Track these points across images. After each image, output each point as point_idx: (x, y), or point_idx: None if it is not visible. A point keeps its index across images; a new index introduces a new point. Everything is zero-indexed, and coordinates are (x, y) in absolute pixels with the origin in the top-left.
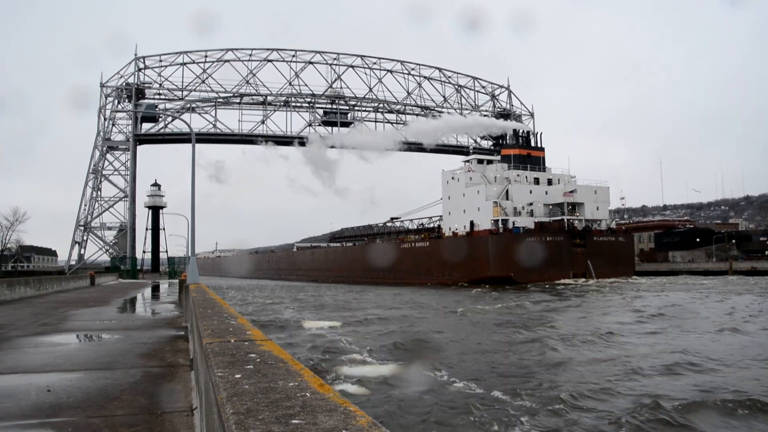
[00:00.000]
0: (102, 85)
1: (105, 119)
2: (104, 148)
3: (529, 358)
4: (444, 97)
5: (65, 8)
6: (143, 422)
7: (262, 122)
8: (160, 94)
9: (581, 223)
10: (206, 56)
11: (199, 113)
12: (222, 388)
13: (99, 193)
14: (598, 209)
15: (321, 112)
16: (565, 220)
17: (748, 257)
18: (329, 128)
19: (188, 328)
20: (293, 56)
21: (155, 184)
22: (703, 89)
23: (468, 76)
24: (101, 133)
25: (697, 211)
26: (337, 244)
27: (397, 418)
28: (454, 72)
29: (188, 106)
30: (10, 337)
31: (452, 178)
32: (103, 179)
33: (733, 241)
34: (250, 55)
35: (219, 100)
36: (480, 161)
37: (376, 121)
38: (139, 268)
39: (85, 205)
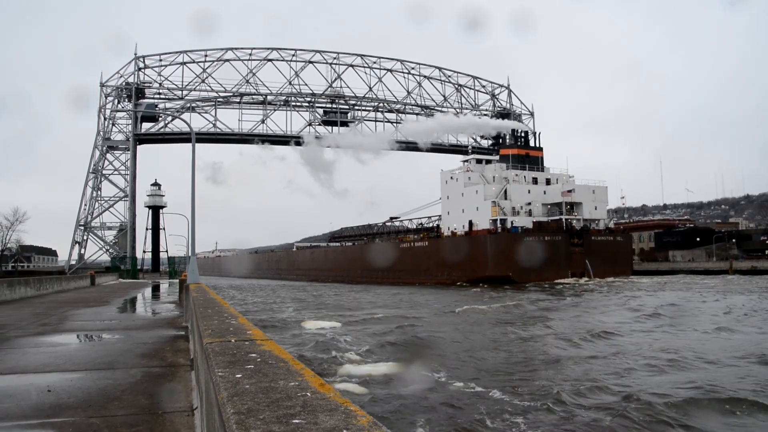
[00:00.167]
0: (102, 85)
1: (105, 119)
2: (104, 148)
3: (526, 357)
4: (444, 96)
5: (65, 8)
6: (144, 422)
7: (262, 122)
8: (160, 93)
9: (579, 223)
10: (206, 56)
11: (199, 113)
12: (223, 387)
13: (99, 192)
14: (596, 209)
15: (321, 111)
16: (564, 220)
17: (749, 256)
18: (329, 128)
19: (189, 328)
20: (293, 56)
21: (155, 184)
22: (703, 89)
23: (468, 75)
24: (101, 133)
25: (697, 211)
26: (337, 244)
27: (397, 418)
28: (454, 71)
29: (188, 105)
30: (10, 337)
31: (451, 177)
32: (103, 179)
33: (734, 240)
34: (250, 54)
35: (219, 99)
36: (479, 161)
37: (376, 121)
38: (139, 267)
39: (86, 205)
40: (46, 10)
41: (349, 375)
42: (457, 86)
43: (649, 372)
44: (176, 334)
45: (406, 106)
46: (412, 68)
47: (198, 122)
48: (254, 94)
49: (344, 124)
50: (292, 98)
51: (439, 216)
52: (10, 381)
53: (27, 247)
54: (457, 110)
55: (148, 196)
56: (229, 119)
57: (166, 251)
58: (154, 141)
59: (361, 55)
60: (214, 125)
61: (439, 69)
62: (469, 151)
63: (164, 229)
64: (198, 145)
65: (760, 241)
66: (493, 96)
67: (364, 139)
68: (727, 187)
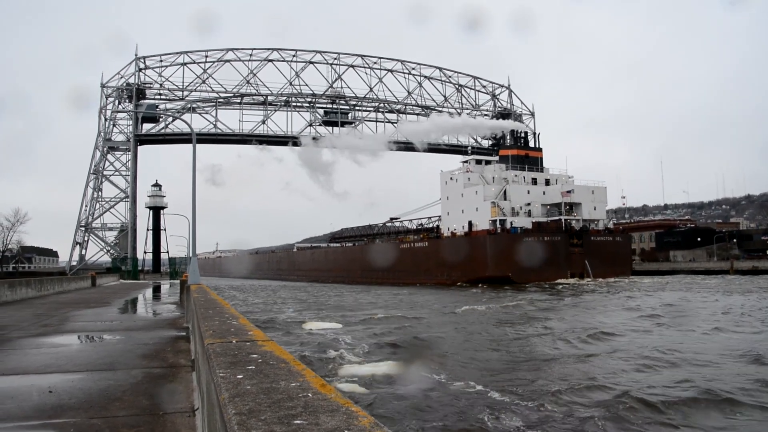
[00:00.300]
0: (102, 86)
1: (106, 119)
2: (105, 149)
3: (525, 357)
4: (444, 96)
5: (65, 8)
6: (145, 423)
7: (263, 122)
8: (160, 94)
9: (578, 223)
10: (207, 56)
11: (200, 113)
12: (224, 388)
13: (100, 193)
14: (595, 209)
15: (321, 112)
16: (563, 220)
17: (750, 256)
18: (330, 128)
19: (189, 329)
20: (294, 56)
21: (156, 185)
22: (703, 89)
23: (468, 75)
24: (102, 134)
25: (698, 211)
26: (337, 245)
27: (398, 419)
28: (455, 71)
29: (189, 106)
30: (11, 338)
31: (450, 178)
32: (103, 180)
33: (734, 240)
34: (251, 55)
35: (219, 100)
36: (478, 162)
37: (377, 121)
38: (140, 268)
39: (86, 206)
40: (46, 10)
41: (350, 375)
42: (457, 86)
43: (643, 371)
44: (177, 334)
45: (407, 107)
46: (413, 68)
47: (199, 123)
48: (255, 95)
49: (345, 124)
50: (293, 99)
51: (439, 216)
52: (12, 382)
53: (28, 248)
54: (458, 110)
55: (148, 196)
56: (230, 120)
57: (167, 252)
58: (155, 142)
59: (362, 56)
60: (215, 126)
61: (440, 69)
62: (469, 151)
63: (165, 229)
64: (198, 147)
65: (761, 241)
66: (494, 96)
67: (360, 141)
68: (727, 187)
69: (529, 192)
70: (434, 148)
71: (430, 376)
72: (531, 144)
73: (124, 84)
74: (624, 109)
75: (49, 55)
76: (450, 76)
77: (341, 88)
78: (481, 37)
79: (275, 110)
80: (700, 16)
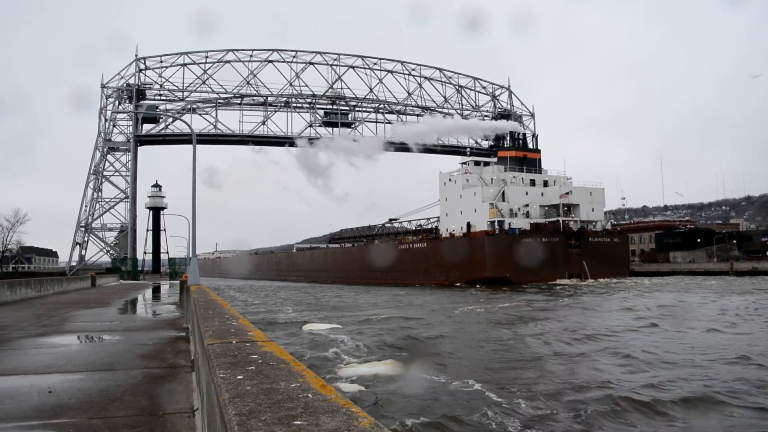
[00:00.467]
0: (103, 86)
1: (106, 120)
2: (105, 149)
3: (522, 357)
4: (444, 97)
5: (65, 8)
6: (144, 423)
7: (263, 123)
8: (160, 94)
9: (576, 224)
10: (207, 57)
11: (200, 114)
12: (224, 389)
13: (100, 194)
14: (593, 210)
15: (322, 112)
16: (561, 221)
17: (749, 257)
18: (330, 129)
19: (189, 329)
20: (294, 57)
21: (156, 185)
22: (703, 89)
23: (468, 76)
24: (102, 134)
25: (697, 212)
26: (337, 245)
27: (399, 419)
28: (455, 72)
29: (189, 106)
30: (11, 338)
31: (449, 179)
32: (103, 180)
33: (734, 241)
34: (251, 55)
35: (220, 101)
36: (477, 163)
37: (377, 122)
38: (140, 269)
39: (86, 206)
40: (46, 10)
41: (350, 376)
42: (457, 87)
43: (632, 371)
44: (177, 335)
45: (407, 108)
46: (413, 69)
47: (199, 124)
48: (255, 96)
49: (345, 125)
50: (293, 99)
51: (438, 217)
52: (12, 382)
53: (28, 248)
54: (458, 111)
55: (148, 197)
56: (230, 121)
57: (167, 252)
58: (155, 142)
59: (362, 57)
60: (215, 126)
61: (440, 70)
62: (468, 153)
63: (165, 230)
64: (197, 148)
65: (760, 242)
66: (494, 97)
67: (354, 144)
68: (727, 187)
69: (527, 193)
70: (430, 149)
71: (429, 376)
72: (530, 145)
73: (125, 84)
74: (624, 109)
75: (49, 55)
76: (450, 77)
77: (341, 88)
78: (481, 38)
79: (275, 111)
80: (700, 16)
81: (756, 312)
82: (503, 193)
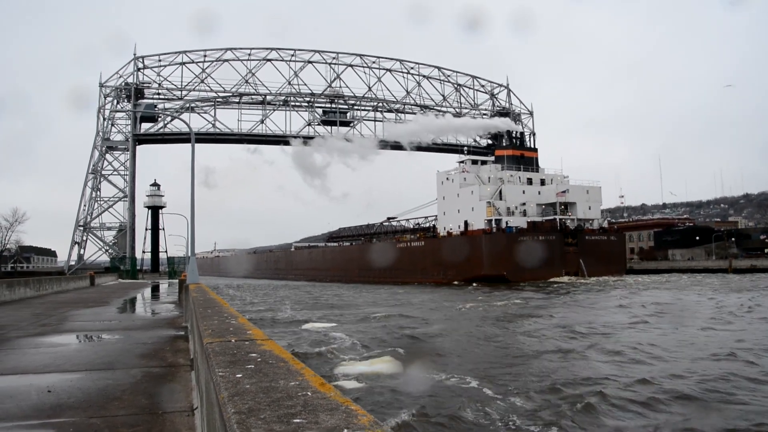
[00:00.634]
0: (101, 85)
1: (104, 119)
2: (103, 148)
3: (517, 354)
4: (443, 96)
5: (65, 8)
6: (144, 422)
7: (261, 122)
8: (159, 93)
9: (573, 223)
10: (205, 56)
11: (199, 113)
12: (223, 387)
13: (98, 193)
14: (590, 209)
15: (320, 111)
16: (558, 220)
17: (748, 255)
18: (329, 127)
19: (188, 328)
20: (292, 56)
21: (155, 184)
22: (703, 89)
23: (467, 74)
24: (100, 133)
25: (696, 210)
26: (335, 244)
27: (398, 417)
28: (454, 71)
29: (187, 105)
30: (10, 338)
31: (447, 178)
32: (102, 179)
33: (733, 239)
34: (249, 54)
35: (218, 99)
36: (474, 162)
37: (375, 120)
38: (138, 268)
39: (85, 206)
40: (46, 10)
41: (349, 374)
42: (456, 86)
43: (623, 367)
44: (176, 334)
45: (406, 106)
46: (412, 68)
47: (197, 122)
48: (253, 94)
49: (343, 124)
50: (292, 98)
51: (436, 216)
52: (11, 381)
53: (26, 247)
54: (456, 110)
55: (147, 196)
56: (229, 119)
57: (166, 251)
58: (154, 141)
59: (361, 55)
60: (214, 125)
61: (439, 69)
62: (465, 151)
63: (164, 229)
64: (195, 147)
65: (759, 239)
66: (493, 95)
67: (348, 145)
68: (726, 185)
69: (524, 192)
70: (424, 148)
71: (428, 373)
72: (528, 143)
73: (123, 83)
74: (624, 109)
75: (49, 55)
76: (449, 76)
77: (340, 87)
78: (480, 38)
79: (274, 110)
80: (700, 16)
81: (749, 310)
82: (500, 192)
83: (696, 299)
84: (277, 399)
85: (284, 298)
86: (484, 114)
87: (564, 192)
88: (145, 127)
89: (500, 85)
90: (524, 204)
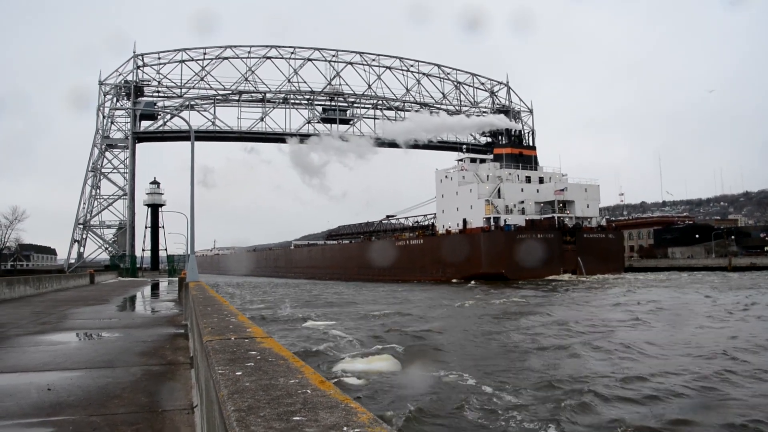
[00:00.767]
0: (101, 83)
1: (104, 117)
2: (103, 146)
3: (515, 350)
4: (443, 93)
5: (65, 8)
6: (144, 420)
7: (261, 120)
8: (158, 91)
9: (571, 221)
10: (205, 54)
11: (198, 111)
12: (223, 385)
13: (98, 191)
14: (588, 207)
15: (320, 109)
16: (556, 218)
17: (748, 253)
18: (328, 125)
19: (188, 326)
20: (292, 53)
21: (154, 182)
22: (703, 88)
23: (467, 72)
24: (100, 131)
25: (696, 208)
26: (334, 242)
27: (397, 414)
28: (453, 68)
29: (187, 103)
30: (10, 336)
31: (446, 176)
32: (102, 177)
33: (733, 237)
34: (249, 52)
35: (218, 97)
36: (473, 160)
37: (375, 118)
38: (138, 266)
39: (85, 204)
40: (46, 10)
41: (349, 371)
42: (456, 83)
43: (616, 364)
44: (176, 332)
45: (405, 104)
46: (411, 66)
47: (197, 120)
48: (253, 92)
49: (343, 122)
50: (291, 96)
51: (435, 214)
52: (10, 380)
53: (26, 245)
54: (456, 107)
55: (147, 194)
56: (229, 117)
57: (166, 249)
58: (153, 139)
59: (360, 53)
60: (213, 123)
61: (438, 66)
62: (464, 150)
63: (163, 227)
64: (194, 144)
65: (759, 237)
66: (492, 93)
67: (344, 144)
68: (726, 184)
69: (522, 190)
70: (419, 146)
71: (427, 371)
72: (528, 141)
73: (123, 81)
74: (624, 108)
75: (49, 55)
76: (449, 73)
77: (340, 85)
78: (480, 37)
79: (273, 108)
80: (700, 16)
81: (744, 308)
82: (499, 190)
83: (692, 298)
84: (277, 397)
85: (284, 296)
86: (484, 111)
87: (562, 190)
88: (145, 125)
89: (500, 83)
90: (523, 202)
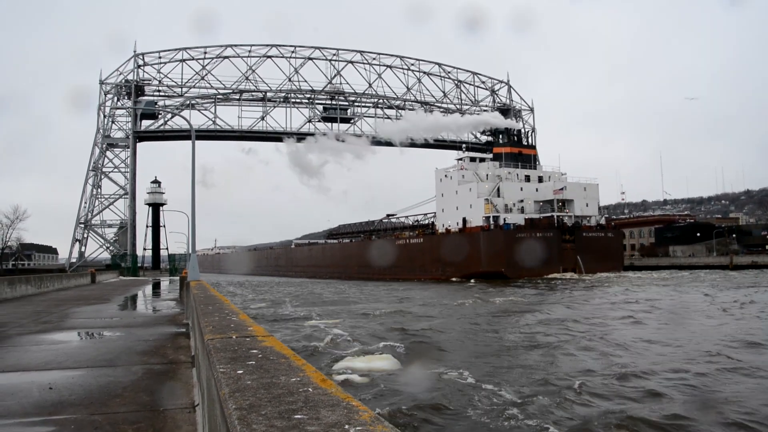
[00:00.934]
0: (101, 82)
1: (104, 116)
2: (104, 146)
3: (514, 348)
4: (444, 92)
5: (65, 8)
6: (145, 419)
7: (262, 118)
8: (159, 90)
9: (571, 220)
10: (205, 53)
11: (199, 110)
12: (224, 384)
13: (99, 190)
14: (587, 206)
15: (321, 108)
16: (555, 217)
17: (749, 251)
18: (329, 124)
19: (189, 325)
20: (292, 52)
21: (155, 181)
22: (703, 87)
23: (467, 71)
24: (101, 131)
25: (697, 206)
26: (334, 241)
27: (398, 412)
28: (454, 67)
29: (188, 102)
30: (11, 335)
31: (445, 176)
32: (103, 177)
33: (734, 235)
34: (250, 51)
35: (218, 96)
36: (472, 159)
37: (375, 117)
38: (139, 265)
39: (86, 203)
40: (46, 10)
41: (350, 370)
42: (456, 82)
43: (612, 362)
44: (177, 331)
45: (406, 102)
46: (412, 64)
47: (198, 119)
48: (254, 91)
49: (344, 120)
50: (292, 95)
51: (434, 213)
52: (12, 379)
53: (27, 245)
54: (457, 106)
55: (148, 193)
56: (229, 116)
57: (167, 249)
58: (154, 138)
59: (361, 52)
60: (214, 122)
61: (439, 65)
62: (464, 148)
63: (164, 226)
64: (195, 143)
65: (760, 236)
66: (493, 92)
67: (341, 144)
68: (727, 182)
69: (522, 189)
70: (417, 144)
71: (427, 369)
72: (528, 140)
73: (123, 81)
74: (624, 105)
75: (49, 54)
76: (449, 72)
77: (340, 84)
78: (481, 36)
79: (274, 107)
80: (700, 14)
81: (742, 307)
82: (498, 189)
83: (692, 296)
84: (279, 395)
85: (285, 295)
86: (485, 110)
87: (561, 189)
88: (146, 124)
89: (501, 82)
90: (522, 201)
